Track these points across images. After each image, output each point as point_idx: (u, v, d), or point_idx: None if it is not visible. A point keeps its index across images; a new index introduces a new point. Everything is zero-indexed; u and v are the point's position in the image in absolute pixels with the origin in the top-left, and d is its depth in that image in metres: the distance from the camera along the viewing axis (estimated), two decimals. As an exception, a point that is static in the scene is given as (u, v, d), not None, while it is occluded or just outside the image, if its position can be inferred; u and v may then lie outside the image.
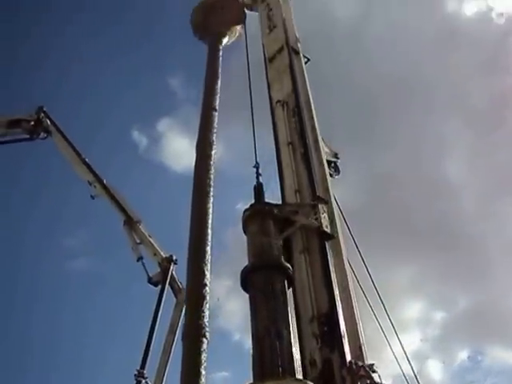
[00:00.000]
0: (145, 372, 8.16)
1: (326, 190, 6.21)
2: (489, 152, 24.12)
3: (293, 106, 6.92)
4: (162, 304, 9.02)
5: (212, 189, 5.99)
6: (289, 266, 5.24)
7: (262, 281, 5.00)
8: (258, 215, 5.48)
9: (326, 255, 5.50)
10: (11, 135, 10.68)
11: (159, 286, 9.57)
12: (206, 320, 4.80)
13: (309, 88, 7.35)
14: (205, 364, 4.54)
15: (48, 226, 25.23)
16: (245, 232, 5.53)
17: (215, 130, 6.83)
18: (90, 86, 26.85)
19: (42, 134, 10.85)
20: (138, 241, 10.36)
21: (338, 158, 6.93)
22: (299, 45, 8.03)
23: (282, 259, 5.27)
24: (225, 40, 8.95)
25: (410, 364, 6.85)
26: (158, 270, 9.99)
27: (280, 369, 4.48)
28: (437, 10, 27.53)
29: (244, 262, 5.34)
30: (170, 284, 9.35)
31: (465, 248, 22.75)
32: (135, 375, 8.10)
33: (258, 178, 6.20)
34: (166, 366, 8.40)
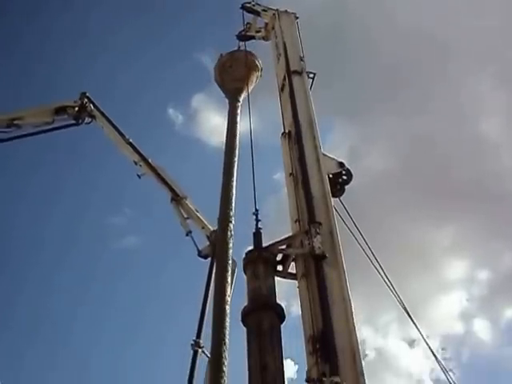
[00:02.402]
0: (201, 341, 8.16)
1: (327, 206, 6.70)
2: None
3: (294, 133, 7.45)
4: (213, 275, 8.58)
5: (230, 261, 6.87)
6: (277, 303, 6.00)
7: (252, 322, 5.86)
8: (251, 261, 6.29)
9: (322, 276, 6.06)
10: (58, 122, 11.20)
11: (209, 259, 9.46)
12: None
13: (313, 106, 7.79)
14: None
15: (95, 206, 27.12)
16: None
17: (233, 205, 7.55)
18: (124, 67, 28.43)
19: (87, 119, 11.31)
20: (186, 216, 10.54)
21: (343, 167, 7.22)
22: (303, 63, 8.44)
23: (272, 298, 6.01)
24: (242, 95, 9.36)
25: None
26: (207, 243, 10.03)
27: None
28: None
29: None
30: None
31: (508, 205, 20.17)
32: (192, 345, 8.13)
33: (256, 224, 6.77)
34: None
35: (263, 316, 5.79)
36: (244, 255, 6.43)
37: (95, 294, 27.62)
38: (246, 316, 5.92)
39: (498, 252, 24.55)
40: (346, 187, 7.24)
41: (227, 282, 6.81)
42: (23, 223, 27.07)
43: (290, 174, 7.17)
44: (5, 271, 25.98)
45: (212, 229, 9.84)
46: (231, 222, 7.37)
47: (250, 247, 6.55)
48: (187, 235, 10.46)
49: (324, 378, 5.08)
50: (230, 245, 7.23)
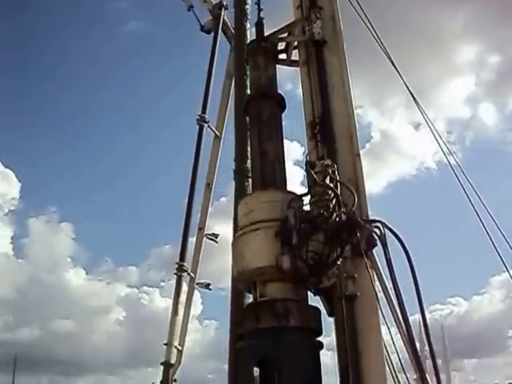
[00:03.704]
0: (206, 116, 7.83)
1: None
2: None
3: None
4: (217, 50, 8.29)
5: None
6: (277, 92, 6.06)
7: (253, 111, 6.01)
8: (251, 52, 6.24)
9: (322, 61, 6.06)
10: None
11: (212, 34, 8.78)
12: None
13: None
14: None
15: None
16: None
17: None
18: None
19: None
20: None
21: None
22: None
23: (272, 87, 6.05)
24: None
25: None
26: (210, 17, 9.17)
27: (265, 182, 5.58)
28: None
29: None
30: (222, 30, 8.53)
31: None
32: (197, 120, 7.84)
33: (258, 13, 6.53)
34: (225, 113, 7.87)
35: (263, 105, 5.89)
36: (245, 47, 6.41)
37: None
38: (247, 105, 6.06)
39: (509, 38, 23.07)
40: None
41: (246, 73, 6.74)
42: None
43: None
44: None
45: (214, 2, 9.09)
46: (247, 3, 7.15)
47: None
48: (189, 10, 9.58)
49: (317, 162, 5.27)
50: (247, 26, 7.06)
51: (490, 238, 6.49)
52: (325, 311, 5.40)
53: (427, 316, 5.19)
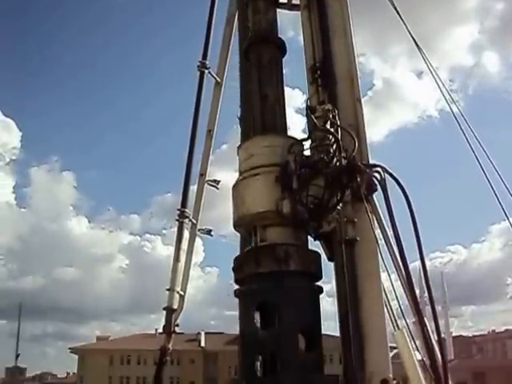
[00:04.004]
0: (207, 62, 7.08)
1: None
2: None
3: None
4: None
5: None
6: (278, 36, 5.97)
7: (253, 56, 5.92)
8: (251, -4, 6.10)
9: (324, 6, 5.93)
10: None
11: None
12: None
13: None
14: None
15: None
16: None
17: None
18: None
19: None
20: None
21: None
22: None
23: (273, 31, 5.95)
24: None
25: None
26: None
27: (265, 126, 5.54)
28: None
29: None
30: None
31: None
32: (198, 67, 7.11)
33: None
34: (225, 59, 7.19)
35: (263, 49, 5.81)
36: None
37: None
38: (247, 51, 5.97)
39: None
40: None
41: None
42: None
43: None
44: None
45: None
46: None
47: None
48: None
49: (317, 106, 5.22)
50: None
51: (491, 186, 6.45)
52: (325, 256, 5.43)
53: (427, 263, 5.19)
